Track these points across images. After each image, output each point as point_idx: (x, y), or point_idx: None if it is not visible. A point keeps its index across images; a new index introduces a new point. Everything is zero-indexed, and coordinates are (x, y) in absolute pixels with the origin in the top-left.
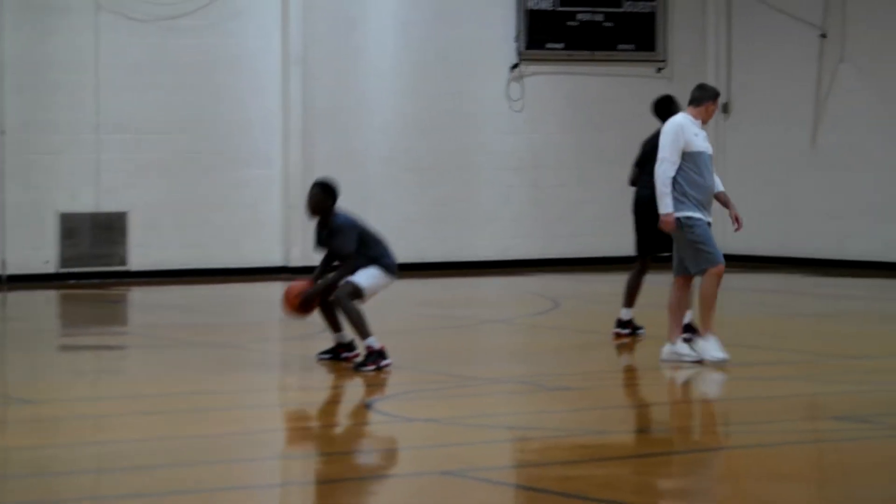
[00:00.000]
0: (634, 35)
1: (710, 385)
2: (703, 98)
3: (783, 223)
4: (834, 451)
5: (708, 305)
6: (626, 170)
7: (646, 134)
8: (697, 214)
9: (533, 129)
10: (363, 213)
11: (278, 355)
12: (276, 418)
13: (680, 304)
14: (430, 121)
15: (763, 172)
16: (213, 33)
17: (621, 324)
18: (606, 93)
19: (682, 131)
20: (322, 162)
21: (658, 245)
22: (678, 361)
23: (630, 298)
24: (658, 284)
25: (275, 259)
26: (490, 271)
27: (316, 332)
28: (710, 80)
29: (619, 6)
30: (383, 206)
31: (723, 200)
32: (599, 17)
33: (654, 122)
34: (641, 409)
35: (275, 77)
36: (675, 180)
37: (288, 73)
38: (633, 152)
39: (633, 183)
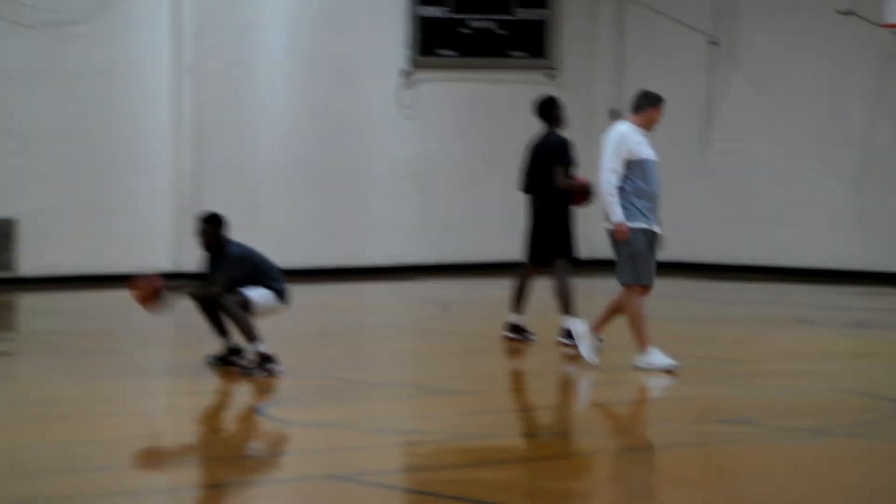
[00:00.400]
0: (526, 42)
1: (599, 389)
2: (644, 105)
3: (672, 229)
4: (720, 454)
5: (638, 320)
6: (516, 176)
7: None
8: (642, 226)
9: (425, 136)
10: (255, 220)
11: (168, 360)
12: (165, 423)
13: (617, 309)
14: (321, 128)
15: None
16: (103, 41)
17: (511, 328)
18: (498, 100)
19: (624, 140)
20: (213, 169)
21: (548, 252)
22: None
23: (518, 304)
24: (548, 290)
25: (165, 266)
26: (381, 277)
27: (206, 337)
28: (601, 88)
29: (511, 14)
30: (275, 213)
31: None
32: (491, 25)
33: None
34: (531, 412)
35: (165, 85)
36: (621, 189)
37: (178, 81)
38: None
39: (527, 190)
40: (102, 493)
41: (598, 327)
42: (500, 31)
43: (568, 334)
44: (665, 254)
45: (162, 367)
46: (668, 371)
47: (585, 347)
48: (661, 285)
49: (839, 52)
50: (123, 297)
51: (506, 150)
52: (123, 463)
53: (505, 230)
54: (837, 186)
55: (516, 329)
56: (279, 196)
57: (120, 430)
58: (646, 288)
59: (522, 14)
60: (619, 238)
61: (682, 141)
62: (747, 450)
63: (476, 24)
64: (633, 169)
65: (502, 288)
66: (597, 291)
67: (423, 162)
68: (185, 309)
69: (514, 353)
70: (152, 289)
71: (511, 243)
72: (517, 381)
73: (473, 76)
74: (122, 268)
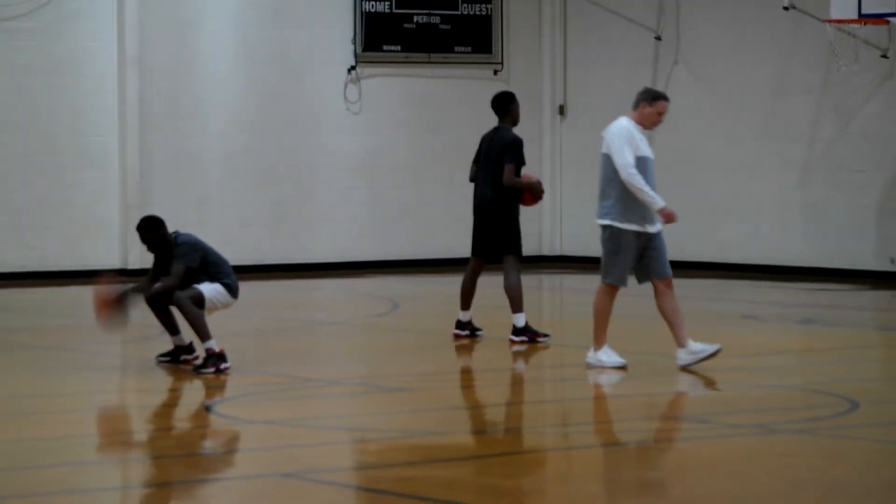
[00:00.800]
0: (471, 37)
1: (551, 386)
2: (640, 100)
3: None
4: (671, 451)
5: (602, 318)
6: (463, 171)
7: (483, 134)
8: (631, 227)
9: (370, 131)
10: (202, 215)
11: (117, 358)
12: (114, 421)
13: (668, 308)
14: (267, 122)
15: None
16: (47, 35)
17: (460, 325)
18: (443, 95)
19: (630, 134)
20: (160, 163)
21: (495, 248)
22: (693, 363)
23: (466, 300)
24: (495, 287)
25: (113, 261)
26: (329, 273)
27: (155, 334)
28: (546, 83)
29: (456, 9)
30: (222, 208)
31: None
32: (436, 20)
33: (490, 122)
34: (481, 410)
35: (111, 79)
36: (618, 185)
37: (124, 75)
38: (470, 154)
39: (474, 181)
40: (55, 491)
41: (680, 338)
42: (445, 27)
43: (518, 331)
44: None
45: (112, 365)
46: (619, 368)
47: (610, 359)
48: None
49: (783, 46)
50: (70, 294)
51: (451, 145)
52: (75, 460)
53: (451, 225)
54: (783, 181)
55: (464, 326)
56: (226, 190)
57: (71, 427)
58: (617, 289)
59: (467, 9)
60: (668, 222)
61: None
62: (698, 446)
63: (420, 19)
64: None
65: (450, 284)
66: (565, 288)
67: (369, 157)
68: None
69: (463, 349)
70: (108, 299)
71: (458, 238)
72: (467, 378)
73: (418, 71)
74: (70, 264)
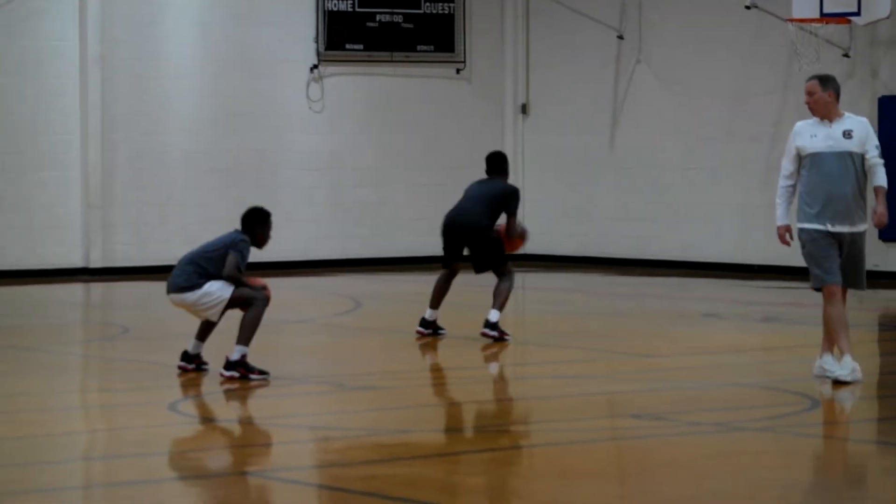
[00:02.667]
0: (433, 36)
1: (511, 384)
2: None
3: (583, 223)
4: (632, 449)
5: (832, 327)
6: (425, 171)
7: (446, 135)
8: (811, 226)
9: (333, 130)
10: (164, 215)
11: (79, 357)
12: (76, 420)
13: (832, 317)
14: (230, 122)
15: (562, 173)
16: (9, 34)
17: (424, 323)
18: (406, 94)
19: (793, 138)
20: (122, 163)
21: (491, 263)
22: (823, 377)
23: (437, 300)
24: (465, 286)
25: (75, 260)
26: (291, 272)
27: (117, 334)
28: (509, 81)
29: (419, 7)
30: (185, 207)
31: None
32: (398, 19)
33: (453, 120)
34: (443, 408)
35: (73, 78)
36: (796, 188)
37: (86, 74)
38: (433, 152)
39: (465, 218)
40: (13, 490)
41: (829, 346)
42: (407, 25)
43: (492, 326)
44: (571, 248)
45: (72, 364)
46: (845, 382)
47: (848, 370)
48: (570, 280)
49: (746, 46)
50: (32, 293)
51: (414, 144)
52: (35, 460)
53: (413, 224)
54: (745, 181)
55: (428, 324)
56: (189, 190)
57: (30, 427)
58: (830, 290)
59: (429, 8)
60: (781, 241)
61: (591, 135)
62: (659, 444)
63: (383, 17)
64: (804, 166)
65: (412, 282)
66: (528, 287)
67: (331, 156)
68: (96, 305)
69: (427, 348)
70: None
71: (420, 238)
72: (431, 377)
73: (381, 70)
74: (31, 263)
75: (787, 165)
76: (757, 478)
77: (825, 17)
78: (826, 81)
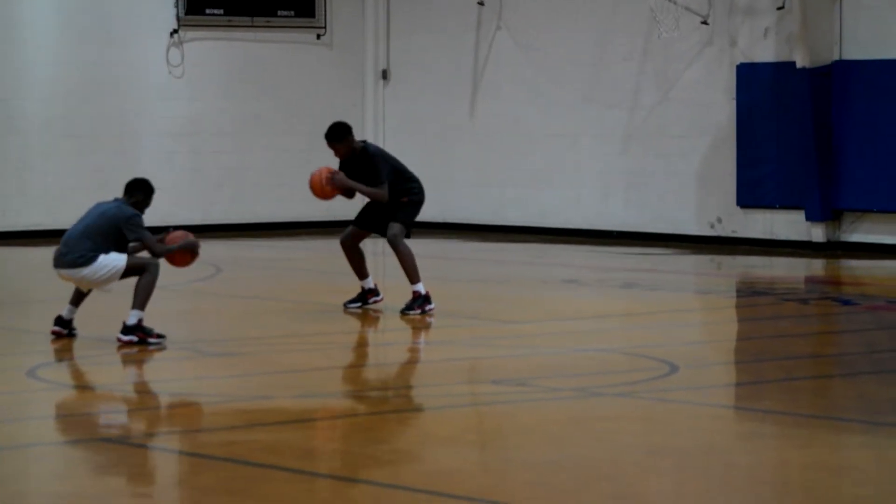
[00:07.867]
0: (294, 1)
1: (372, 350)
2: None
3: (442, 190)
4: (492, 414)
5: None
6: (286, 136)
7: (307, 101)
8: None
9: (193, 96)
10: (23, 181)
11: None
12: None
13: None
14: (89, 88)
15: (422, 140)
16: None
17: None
18: (266, 59)
19: None
20: None
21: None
22: None
23: (361, 269)
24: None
25: None
26: None
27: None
28: (370, 48)
29: None
30: (44, 174)
31: None
32: None
33: (316, 87)
34: (304, 374)
35: None
36: None
37: None
38: (293, 119)
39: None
40: None
41: None
42: None
43: (425, 299)
44: (431, 214)
45: None
46: None
47: None
48: (431, 246)
49: (605, 13)
50: None
51: (275, 110)
52: None
53: (274, 190)
54: (605, 148)
55: (372, 292)
56: (48, 157)
57: None
58: None
59: None
60: None
61: (451, 102)
62: (519, 410)
63: None
64: None
65: (272, 248)
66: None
67: (192, 122)
68: None
69: (290, 314)
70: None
71: (281, 204)
72: (291, 344)
73: (241, 35)
74: None
75: None
76: (616, 443)
77: None
78: None
